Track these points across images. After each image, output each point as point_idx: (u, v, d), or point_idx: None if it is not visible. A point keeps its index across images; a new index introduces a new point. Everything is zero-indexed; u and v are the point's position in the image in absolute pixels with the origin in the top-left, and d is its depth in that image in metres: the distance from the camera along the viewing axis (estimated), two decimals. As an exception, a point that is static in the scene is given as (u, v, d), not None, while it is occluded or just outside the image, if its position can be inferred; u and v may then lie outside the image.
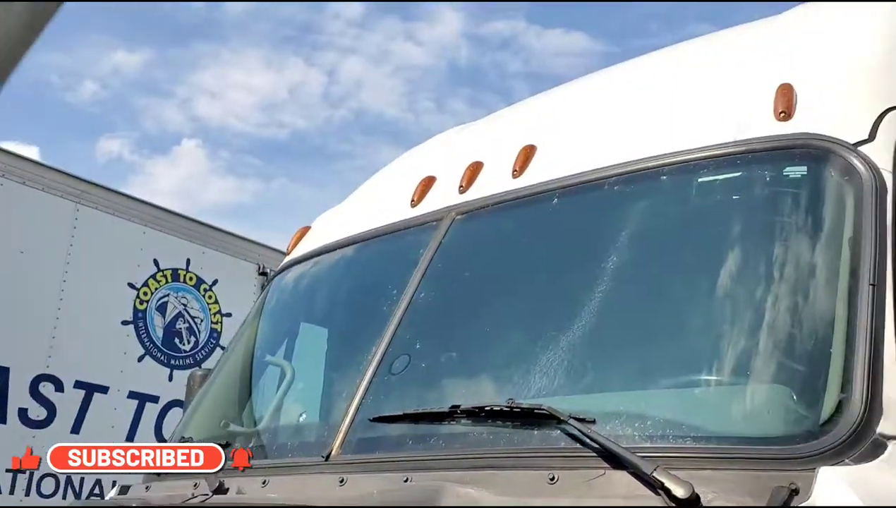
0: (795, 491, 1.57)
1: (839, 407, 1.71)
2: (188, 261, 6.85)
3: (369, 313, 2.70)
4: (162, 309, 6.63)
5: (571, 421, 1.84)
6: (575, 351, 2.16)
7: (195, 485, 2.52)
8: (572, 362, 2.15)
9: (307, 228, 3.64)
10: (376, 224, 3.08)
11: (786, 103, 2.24)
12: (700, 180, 2.25)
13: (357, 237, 3.12)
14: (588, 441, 1.80)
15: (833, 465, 1.60)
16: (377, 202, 3.30)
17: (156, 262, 6.62)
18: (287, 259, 3.53)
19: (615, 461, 1.74)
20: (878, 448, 1.65)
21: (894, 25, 2.55)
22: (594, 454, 1.79)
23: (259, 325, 3.47)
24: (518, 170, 2.70)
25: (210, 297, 7.02)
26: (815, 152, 2.12)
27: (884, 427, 1.68)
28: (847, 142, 2.12)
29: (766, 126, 2.23)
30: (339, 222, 3.41)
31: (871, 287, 1.85)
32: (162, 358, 6.58)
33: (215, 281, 7.05)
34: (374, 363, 2.40)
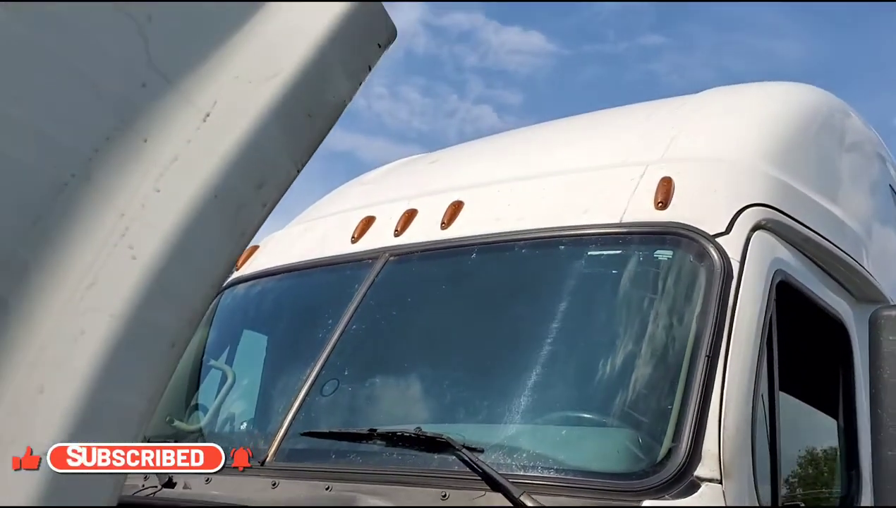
0: None
1: (669, 454, 2.20)
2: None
3: (307, 337, 3.12)
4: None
5: (463, 450, 2.29)
6: (475, 388, 2.63)
7: (145, 477, 2.91)
8: (472, 397, 2.63)
9: (255, 248, 4.03)
10: (320, 254, 3.49)
11: (664, 195, 2.73)
12: (589, 253, 2.74)
13: (302, 264, 3.53)
14: (475, 466, 2.25)
15: (656, 499, 2.09)
16: (321, 232, 3.71)
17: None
18: (235, 275, 3.92)
19: (494, 484, 2.20)
20: (694, 487, 2.15)
21: (756, 133, 3.09)
22: (479, 477, 2.24)
23: (207, 332, 3.85)
24: (446, 223, 3.15)
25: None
26: (681, 240, 2.62)
27: (700, 471, 2.17)
28: (707, 233, 2.62)
29: (646, 213, 2.72)
30: (284, 247, 3.81)
31: (706, 358, 2.35)
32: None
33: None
34: (308, 383, 2.82)
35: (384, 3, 1.21)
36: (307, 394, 2.80)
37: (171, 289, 1.00)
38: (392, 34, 1.21)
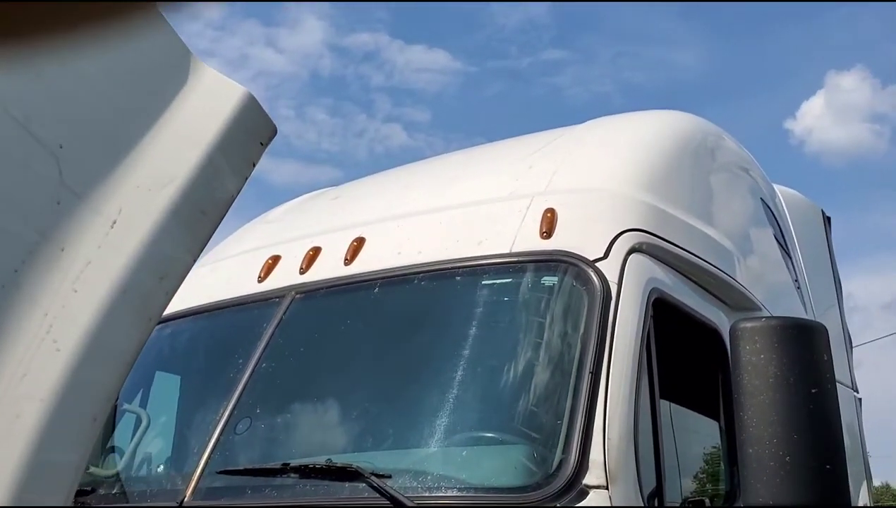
0: None
1: (559, 465, 2.41)
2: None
3: (218, 377, 3.22)
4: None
5: (372, 477, 2.45)
6: (382, 417, 2.80)
7: None
8: (380, 425, 2.79)
9: (165, 290, 4.09)
10: (228, 294, 3.60)
11: (548, 225, 2.97)
12: (483, 282, 2.94)
13: (209, 306, 3.63)
14: (383, 492, 2.41)
15: (549, 508, 2.30)
16: (227, 273, 3.81)
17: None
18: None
19: None
20: (583, 495, 2.36)
21: (629, 163, 3.37)
22: (388, 502, 2.40)
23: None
24: (349, 259, 3.31)
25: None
26: (564, 266, 2.86)
27: (588, 479, 2.39)
28: (588, 259, 2.86)
29: (533, 242, 2.95)
30: (191, 289, 3.88)
31: (590, 374, 2.58)
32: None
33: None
34: (222, 423, 2.93)
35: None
36: (221, 433, 2.90)
37: (91, 374, 1.18)
38: (272, 131, 1.38)
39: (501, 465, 2.54)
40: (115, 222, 1.20)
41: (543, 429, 2.55)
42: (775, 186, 5.78)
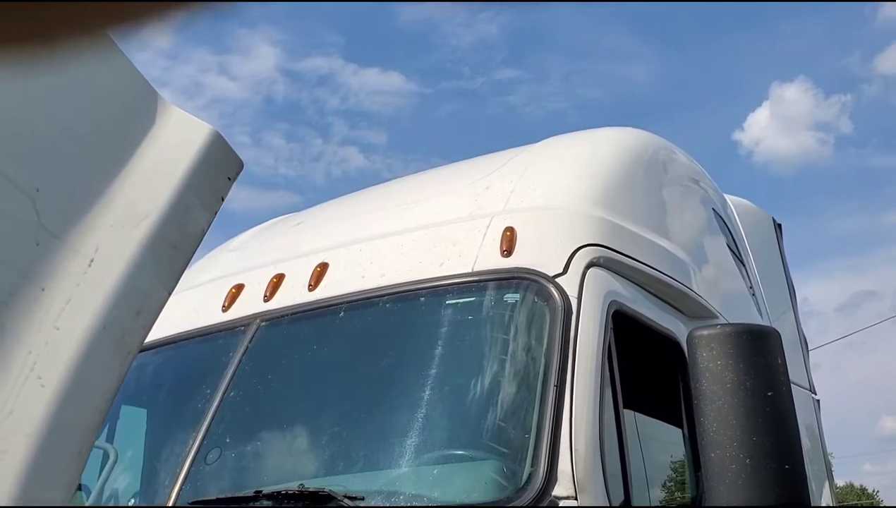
0: None
1: (529, 479, 2.46)
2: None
3: (186, 408, 3.22)
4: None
5: (345, 500, 2.48)
6: (352, 440, 2.83)
7: None
8: (350, 448, 2.82)
9: (128, 323, 4.08)
10: (192, 325, 3.60)
11: (508, 243, 3.04)
12: (447, 302, 3.00)
13: (175, 337, 3.63)
14: None
15: (520, 521, 2.35)
16: (192, 303, 3.82)
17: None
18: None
19: (375, 528, 2.40)
20: (553, 507, 2.41)
21: (585, 180, 3.47)
22: None
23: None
24: (313, 285, 3.34)
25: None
26: (526, 283, 2.93)
27: (557, 491, 2.45)
28: (548, 275, 2.94)
29: (494, 261, 3.01)
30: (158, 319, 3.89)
31: (555, 387, 2.64)
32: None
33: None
34: (192, 454, 2.93)
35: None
36: (192, 464, 2.90)
37: (75, 409, 1.22)
38: (239, 166, 1.43)
39: (472, 481, 2.59)
40: (92, 261, 1.24)
41: (512, 444, 2.60)
42: (726, 196, 5.94)
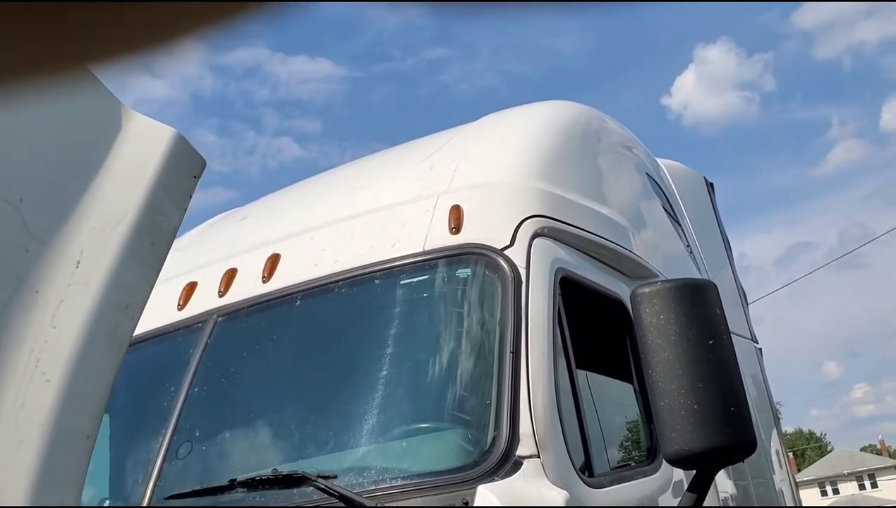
0: (467, 503, 2.41)
1: (493, 442, 2.59)
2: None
3: (152, 408, 3.27)
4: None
5: (319, 479, 2.57)
6: (320, 423, 2.92)
7: None
8: (319, 431, 2.91)
9: (81, 330, 4.08)
10: (148, 326, 3.63)
11: (456, 221, 3.14)
12: (401, 282, 3.09)
13: (133, 339, 3.65)
14: (331, 492, 2.54)
15: (488, 483, 2.47)
16: (147, 305, 3.84)
17: None
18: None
19: (350, 503, 2.49)
20: (517, 466, 2.54)
21: (524, 154, 3.59)
22: (338, 501, 2.53)
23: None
24: (266, 276, 3.40)
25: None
26: (475, 257, 3.04)
27: (521, 451, 2.58)
28: (496, 248, 3.05)
29: (444, 239, 3.12)
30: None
31: (511, 354, 2.77)
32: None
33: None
34: (163, 450, 2.98)
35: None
36: (164, 461, 2.96)
37: (78, 398, 1.30)
38: (202, 164, 1.51)
39: (440, 450, 2.70)
40: (78, 262, 1.32)
41: (474, 411, 2.72)
42: (658, 160, 6.14)
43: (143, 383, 3.55)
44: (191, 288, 3.64)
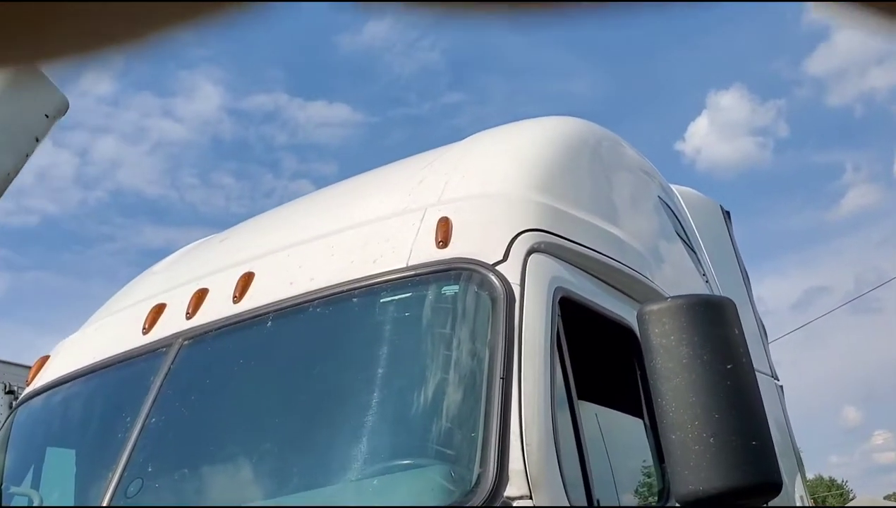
0: None
1: (478, 480, 2.25)
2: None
3: (106, 440, 2.95)
4: None
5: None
6: (290, 457, 2.59)
7: None
8: (288, 466, 2.58)
9: (46, 357, 3.78)
10: (112, 352, 3.32)
11: (443, 234, 2.83)
12: (382, 301, 2.77)
13: (94, 366, 3.35)
14: None
15: (471, 526, 2.12)
16: (113, 329, 3.54)
17: None
18: (27, 390, 3.65)
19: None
20: None
21: (521, 165, 3.28)
22: None
23: (2, 459, 3.55)
24: (238, 296, 3.09)
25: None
26: (464, 273, 2.72)
27: (510, 491, 2.23)
28: (487, 263, 2.73)
29: (430, 253, 2.80)
30: (76, 351, 3.60)
31: (501, 380, 2.43)
32: None
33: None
34: (111, 488, 2.66)
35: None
36: (112, 499, 2.63)
37: None
38: (63, 105, 1.22)
39: (419, 489, 2.36)
40: None
41: (459, 445, 2.38)
42: (673, 186, 5.83)
43: (100, 413, 3.24)
44: (158, 310, 3.33)
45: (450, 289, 2.72)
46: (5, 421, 3.76)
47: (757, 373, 5.67)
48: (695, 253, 5.36)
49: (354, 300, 2.82)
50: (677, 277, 4.49)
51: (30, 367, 3.93)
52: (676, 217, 5.28)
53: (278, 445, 2.66)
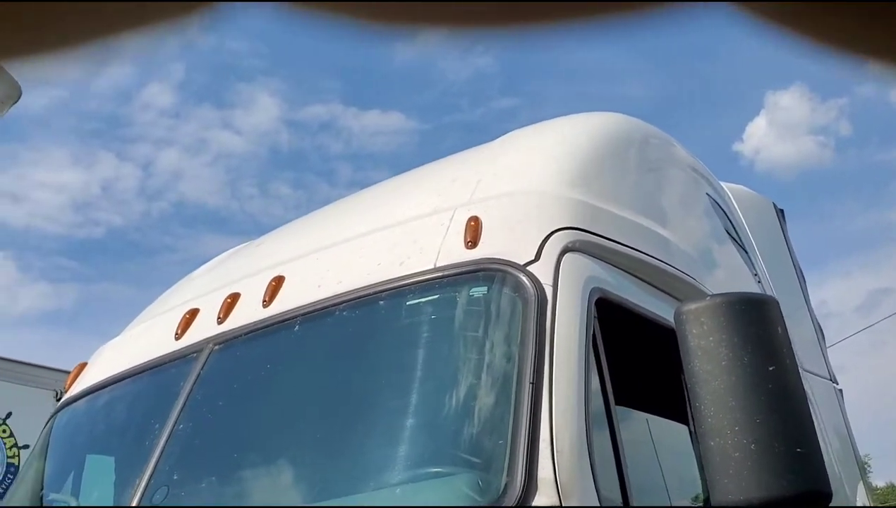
0: None
1: (505, 489, 2.14)
2: (-23, 398, 6.64)
3: (135, 447, 2.92)
4: (-50, 450, 6.37)
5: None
6: (312, 466, 2.52)
7: None
8: (309, 476, 2.51)
9: (84, 364, 3.79)
10: (146, 357, 3.31)
11: (473, 234, 2.74)
12: (408, 303, 2.69)
13: (128, 372, 3.34)
14: None
15: (497, 538, 2.02)
16: (148, 335, 3.53)
17: (-60, 403, 6.38)
18: (64, 397, 3.67)
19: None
20: None
21: (556, 162, 3.17)
22: None
23: (40, 466, 3.57)
24: (267, 300, 3.04)
25: (4, 431, 6.81)
26: (493, 274, 2.62)
27: (538, 500, 2.12)
28: (518, 263, 2.63)
29: (458, 254, 2.71)
30: (112, 357, 3.61)
31: (530, 385, 2.32)
32: (-47, 502, 6.30)
33: (9, 414, 6.85)
34: (137, 496, 2.62)
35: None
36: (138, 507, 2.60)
37: None
38: (14, 91, 1.16)
39: (444, 497, 2.26)
40: None
41: (485, 453, 2.28)
42: (723, 183, 5.63)
43: (131, 419, 3.23)
44: (191, 315, 3.31)
45: (478, 291, 2.62)
46: (43, 428, 3.78)
47: (814, 377, 5.44)
48: (746, 252, 5.17)
49: (380, 303, 2.74)
50: (727, 277, 4.32)
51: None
52: (727, 215, 5.10)
53: (297, 453, 2.60)
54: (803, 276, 6.72)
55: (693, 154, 4.97)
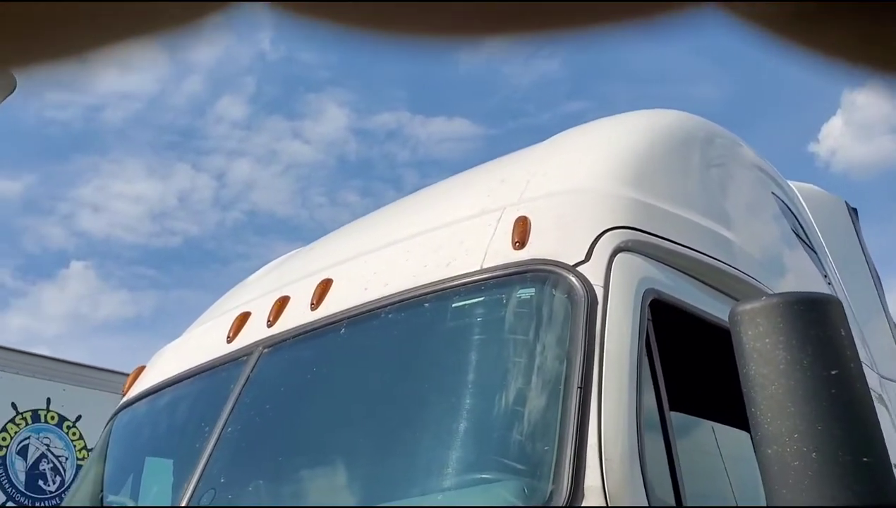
0: None
1: (550, 498, 2.07)
2: (48, 401, 6.83)
3: (185, 450, 2.94)
4: (23, 452, 6.57)
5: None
6: (356, 470, 2.48)
7: None
8: (357, 479, 2.48)
9: (142, 367, 3.85)
10: (199, 361, 3.33)
11: (521, 234, 2.67)
12: (454, 306, 2.64)
13: (181, 375, 3.37)
14: None
15: (539, 548, 1.95)
16: (202, 339, 3.56)
17: (14, 406, 6.58)
18: (123, 400, 3.73)
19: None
20: None
21: (610, 160, 3.08)
22: None
23: (99, 468, 3.63)
24: (315, 303, 3.03)
25: (74, 434, 7.01)
26: (542, 275, 2.55)
27: (585, 508, 2.04)
28: (567, 264, 2.55)
29: (505, 255, 2.65)
30: (169, 360, 3.65)
31: (578, 390, 2.24)
32: (25, 502, 6.49)
33: (79, 417, 7.04)
34: (186, 499, 2.63)
35: None
36: None
37: None
38: (8, 84, 1.14)
39: (496, 502, 2.20)
40: None
41: (531, 459, 2.21)
42: (791, 183, 5.42)
43: (183, 422, 3.25)
44: (243, 318, 3.32)
45: (525, 293, 2.55)
46: (103, 430, 3.85)
47: (892, 384, 5.14)
48: (815, 253, 4.96)
49: (426, 305, 2.70)
50: (794, 279, 4.14)
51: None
52: (795, 215, 4.90)
53: (348, 457, 2.57)
54: (879, 279, 6.43)
55: (761, 154, 4.80)
